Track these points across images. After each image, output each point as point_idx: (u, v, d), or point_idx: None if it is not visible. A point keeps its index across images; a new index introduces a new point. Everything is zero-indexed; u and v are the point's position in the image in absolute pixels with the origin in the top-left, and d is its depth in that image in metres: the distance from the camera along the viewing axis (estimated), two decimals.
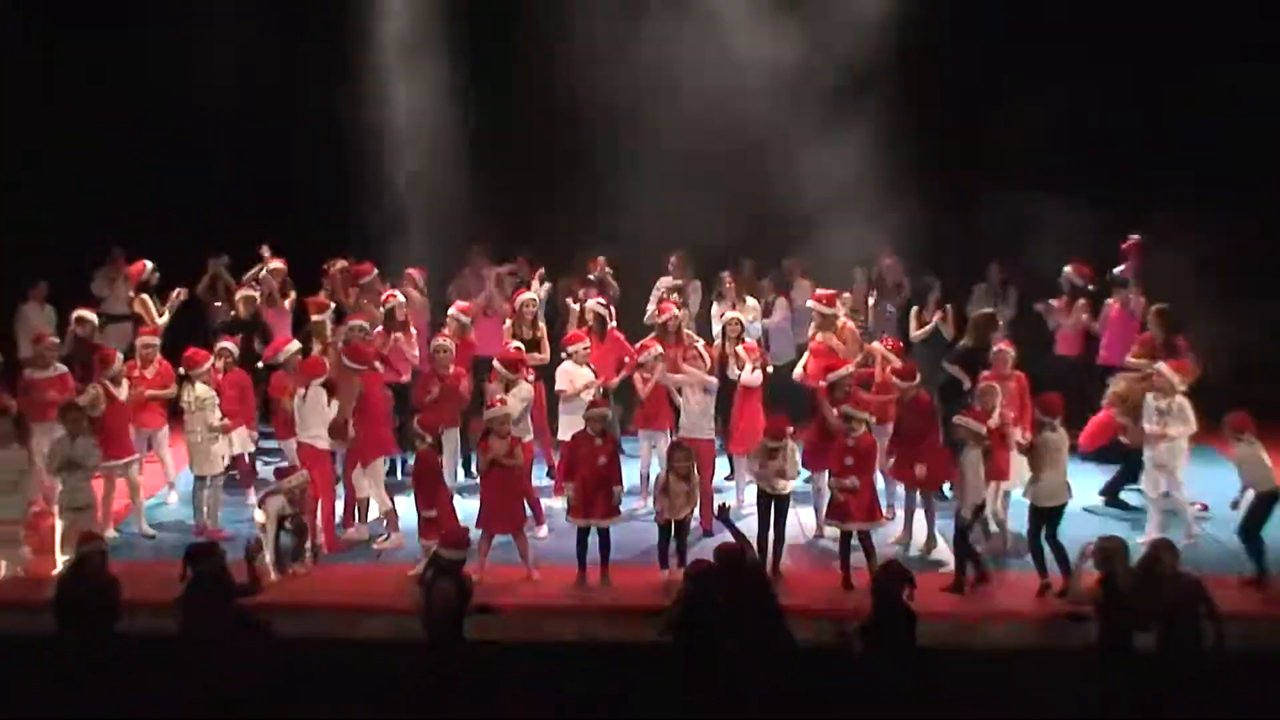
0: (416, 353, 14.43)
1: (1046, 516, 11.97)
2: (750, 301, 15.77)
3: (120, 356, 13.51)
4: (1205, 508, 13.64)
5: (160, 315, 15.21)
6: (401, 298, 14.81)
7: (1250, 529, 12.12)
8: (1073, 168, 16.29)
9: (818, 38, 16.53)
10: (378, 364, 13.50)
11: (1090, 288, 15.60)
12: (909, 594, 9.86)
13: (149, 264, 15.58)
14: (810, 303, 14.73)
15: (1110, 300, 15.44)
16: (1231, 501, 12.39)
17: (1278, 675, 10.26)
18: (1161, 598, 9.85)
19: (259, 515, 12.36)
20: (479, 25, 17.53)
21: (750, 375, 13.51)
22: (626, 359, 14.31)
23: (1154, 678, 9.74)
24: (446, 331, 14.29)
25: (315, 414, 12.76)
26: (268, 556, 12.07)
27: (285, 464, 13.04)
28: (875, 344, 13.94)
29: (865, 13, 16.64)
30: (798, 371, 14.23)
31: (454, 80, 17.30)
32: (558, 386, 13.74)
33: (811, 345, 14.43)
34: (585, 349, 13.80)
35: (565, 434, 13.50)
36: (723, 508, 11.36)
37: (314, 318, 14.39)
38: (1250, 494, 12.16)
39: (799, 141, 16.50)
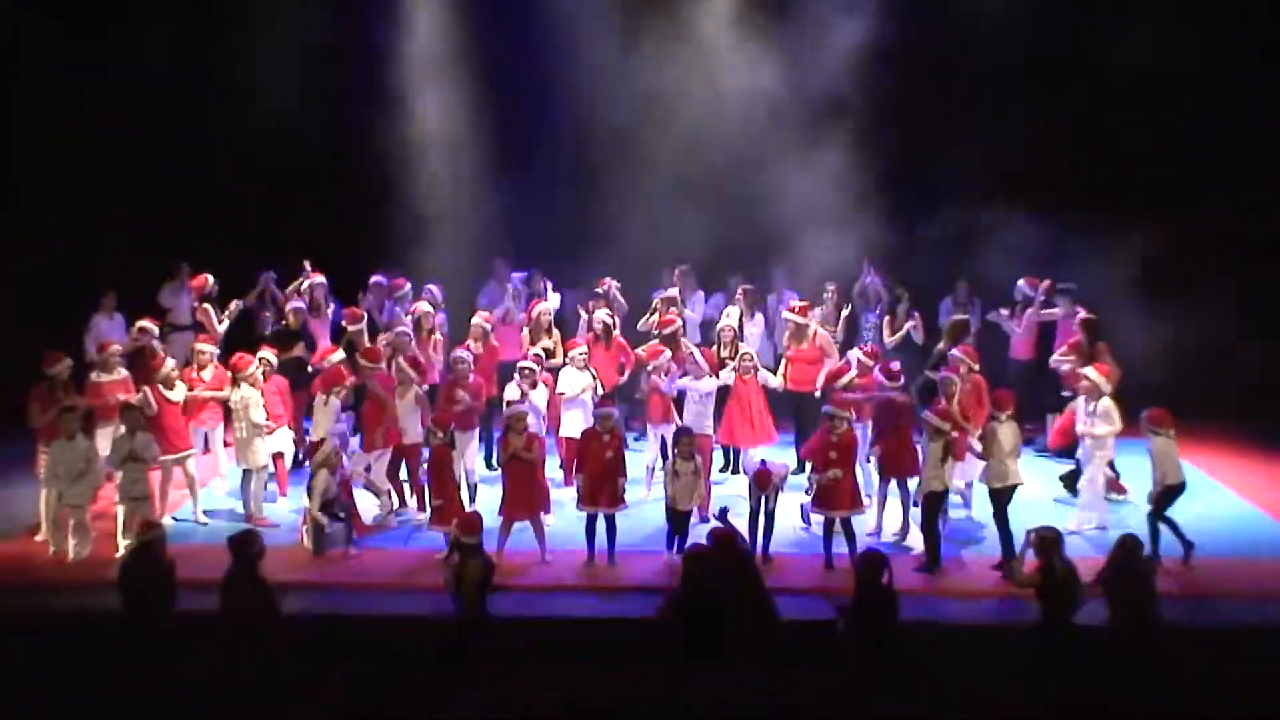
0: (440, 359, 14.32)
1: (1004, 497, 12.02)
2: (758, 315, 15.69)
3: (171, 362, 13.55)
4: (1124, 490, 13.71)
5: (220, 323, 15.06)
6: (428, 307, 14.69)
7: (1158, 516, 12.14)
8: (1028, 187, 16.08)
9: (799, 67, 16.59)
10: (407, 368, 13.40)
11: (1041, 298, 15.48)
12: (888, 578, 9.73)
13: (210, 278, 15.43)
14: (785, 314, 14.69)
15: (1055, 308, 15.37)
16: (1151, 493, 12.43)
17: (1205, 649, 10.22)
18: (1137, 585, 9.86)
19: (306, 499, 12.33)
20: (497, 52, 17.37)
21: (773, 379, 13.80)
22: (625, 362, 14.44)
23: (1092, 653, 9.72)
24: (471, 339, 14.25)
25: (327, 418, 12.83)
26: (320, 528, 12.15)
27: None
28: (853, 350, 13.82)
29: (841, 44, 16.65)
30: (778, 380, 14.10)
31: (474, 104, 17.21)
32: (559, 388, 13.68)
33: (788, 353, 14.37)
34: (583, 354, 13.76)
35: (565, 431, 13.57)
36: (723, 510, 11.29)
37: (350, 328, 14.32)
38: (1162, 486, 12.19)
39: (782, 165, 16.56)
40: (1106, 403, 12.80)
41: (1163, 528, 12.12)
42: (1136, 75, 16.11)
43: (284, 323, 14.84)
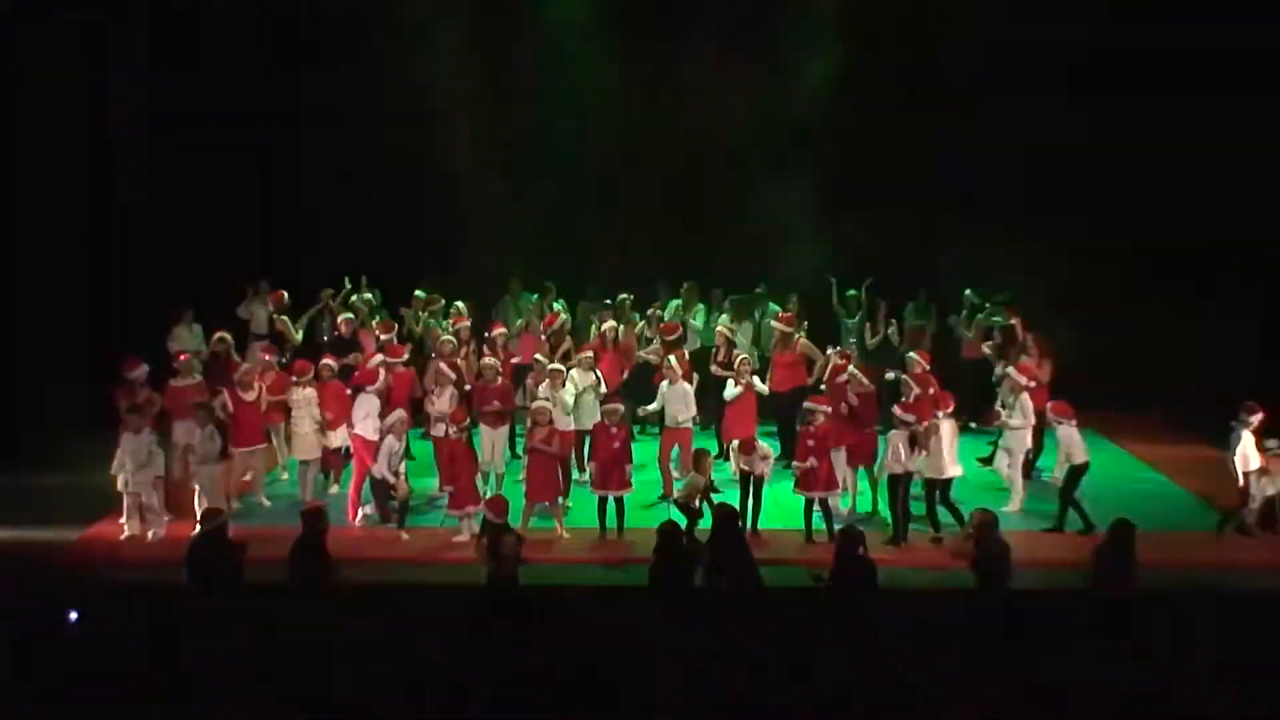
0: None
1: (936, 486, 12.07)
2: (745, 324, 15.60)
3: (246, 365, 13.57)
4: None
5: (296, 333, 14.99)
6: (468, 323, 14.68)
7: (1067, 493, 12.20)
8: (983, 206, 15.73)
9: (777, 95, 16.48)
10: (447, 370, 13.32)
11: (987, 305, 15.39)
12: (864, 550, 9.65)
13: (285, 293, 15.31)
14: (773, 323, 14.65)
15: (996, 316, 15.23)
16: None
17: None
18: (1125, 564, 9.73)
19: (376, 469, 12.28)
20: (515, 85, 17.13)
21: (760, 384, 13.60)
22: (626, 365, 14.47)
23: (1019, 617, 9.44)
24: (497, 348, 14.18)
25: (363, 410, 12.75)
26: (384, 489, 12.15)
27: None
28: (828, 351, 13.61)
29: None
30: (763, 387, 13.86)
31: (492, 137, 16.91)
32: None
33: (774, 357, 14.25)
34: (589, 359, 13.69)
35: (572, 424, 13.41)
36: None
37: (382, 337, 14.22)
38: (1067, 466, 12.21)
39: (766, 188, 16.41)
40: (1024, 398, 12.84)
41: (1083, 506, 12.10)
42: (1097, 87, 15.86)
43: (338, 333, 14.76)
